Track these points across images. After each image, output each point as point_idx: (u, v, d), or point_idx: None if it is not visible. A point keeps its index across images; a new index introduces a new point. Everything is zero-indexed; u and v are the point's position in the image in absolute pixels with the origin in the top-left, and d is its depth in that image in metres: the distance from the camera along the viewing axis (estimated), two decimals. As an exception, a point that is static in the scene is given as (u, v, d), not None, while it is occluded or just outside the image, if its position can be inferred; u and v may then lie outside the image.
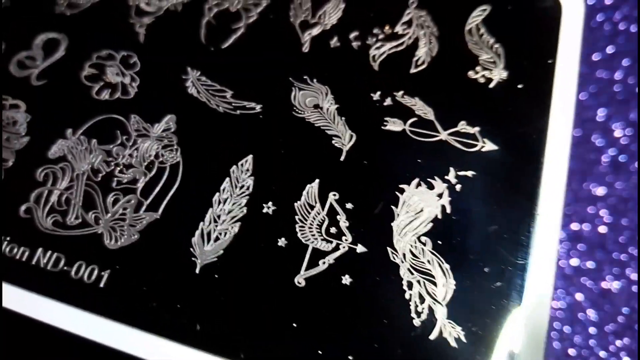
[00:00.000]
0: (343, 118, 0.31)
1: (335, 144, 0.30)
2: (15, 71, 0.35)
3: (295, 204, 0.28)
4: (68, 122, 0.32)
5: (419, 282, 0.26)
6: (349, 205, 0.28)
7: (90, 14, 0.37)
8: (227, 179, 0.29)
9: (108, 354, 0.26)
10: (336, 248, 0.27)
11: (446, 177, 0.29)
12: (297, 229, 0.28)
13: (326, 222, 0.28)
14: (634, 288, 0.34)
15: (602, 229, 0.35)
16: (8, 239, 0.29)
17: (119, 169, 0.31)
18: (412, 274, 0.27)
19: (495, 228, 0.27)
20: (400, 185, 0.29)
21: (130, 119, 0.32)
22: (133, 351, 0.26)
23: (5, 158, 0.32)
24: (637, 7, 0.39)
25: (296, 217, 0.28)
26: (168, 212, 0.29)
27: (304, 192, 0.29)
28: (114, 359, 0.26)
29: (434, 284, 0.26)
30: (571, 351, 0.33)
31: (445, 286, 0.26)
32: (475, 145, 0.29)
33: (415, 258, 0.27)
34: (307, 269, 0.27)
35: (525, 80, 0.31)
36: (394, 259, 0.27)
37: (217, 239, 0.28)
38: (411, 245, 0.27)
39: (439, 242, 0.27)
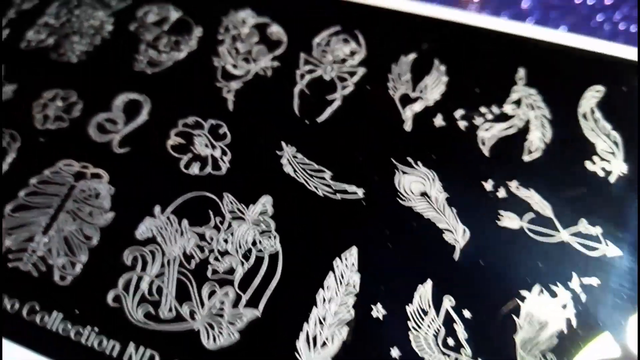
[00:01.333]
0: (454, 209, 0.29)
1: (447, 239, 0.28)
2: (95, 135, 0.33)
3: (407, 307, 0.27)
4: (156, 198, 0.30)
5: (546, 406, 0.24)
6: (466, 313, 0.26)
7: (173, 74, 0.35)
8: (331, 274, 0.27)
9: None
10: (455, 363, 0.25)
11: (569, 284, 0.27)
12: (411, 338, 0.26)
13: (443, 332, 0.26)
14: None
15: None
16: (96, 329, 0.27)
17: (213, 255, 0.29)
18: (539, 396, 0.25)
19: (625, 345, 0.25)
20: (521, 292, 0.27)
21: (224, 199, 0.30)
22: None
23: (89, 235, 0.30)
24: (637, 7, 0.39)
25: (409, 323, 0.26)
26: (269, 309, 0.27)
27: (416, 295, 0.27)
28: None
29: (564, 410, 0.24)
30: None
31: (575, 413, 0.24)
32: (599, 249, 0.27)
33: (541, 378, 0.25)
34: (424, 386, 0.25)
35: (648, 175, 0.29)
36: (519, 378, 0.25)
37: (324, 344, 0.26)
38: (536, 363, 0.25)
39: (566, 361, 0.25)
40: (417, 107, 0.32)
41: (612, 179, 0.29)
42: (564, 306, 0.26)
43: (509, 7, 0.41)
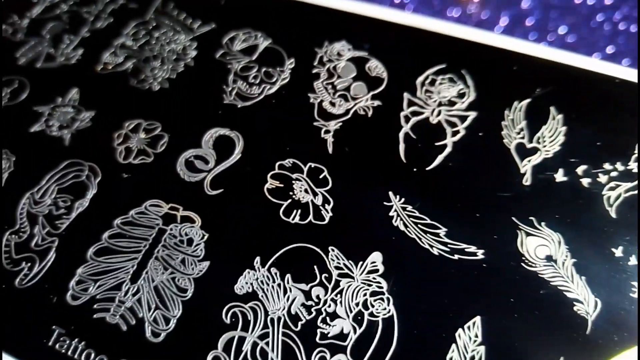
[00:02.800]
0: (583, 278, 0.26)
1: (578, 311, 0.26)
2: (184, 174, 0.31)
3: (540, 388, 0.24)
4: (254, 248, 0.28)
5: None
6: (605, 398, 0.24)
7: (265, 109, 0.32)
8: (454, 346, 0.25)
9: None
10: None
11: None
12: (547, 423, 0.24)
13: (581, 418, 0.24)
14: None
15: None
16: (195, 396, 0.25)
17: (321, 317, 0.26)
18: None
19: None
20: (663, 376, 0.24)
21: (329, 253, 0.28)
22: None
23: (183, 287, 0.27)
24: (637, 7, 0.39)
25: (542, 405, 0.24)
26: (387, 382, 0.25)
27: (549, 374, 0.25)
28: None
29: None
30: None
31: None
32: None
33: None
34: None
35: None
36: None
37: None
38: None
39: None
40: (535, 159, 0.29)
41: None
42: None
43: (509, 7, 0.41)
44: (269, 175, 0.30)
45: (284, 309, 0.26)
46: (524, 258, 0.27)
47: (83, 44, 0.36)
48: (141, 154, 0.31)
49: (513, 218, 0.28)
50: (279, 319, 0.26)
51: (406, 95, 0.32)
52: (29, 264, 0.29)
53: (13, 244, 0.30)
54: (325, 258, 0.28)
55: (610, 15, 0.40)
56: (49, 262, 0.29)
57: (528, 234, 0.28)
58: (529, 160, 0.30)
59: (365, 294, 0.27)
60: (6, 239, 0.30)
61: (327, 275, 0.27)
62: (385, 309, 0.26)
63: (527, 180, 0.29)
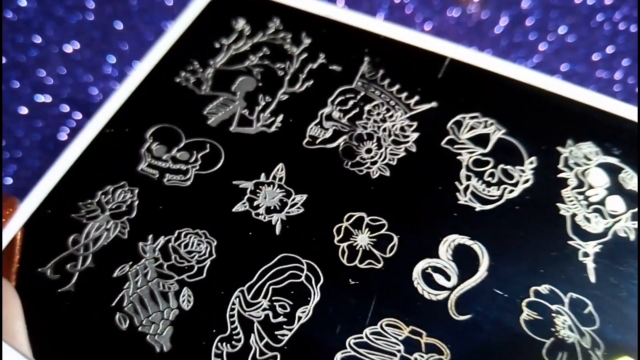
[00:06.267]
0: None
1: None
2: (423, 289, 0.27)
3: None
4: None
5: None
6: None
7: (507, 216, 0.28)
8: None
9: None
10: None
11: None
12: None
13: None
14: None
15: None
16: None
17: None
18: None
19: None
20: None
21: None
22: None
23: None
24: (637, 7, 0.39)
25: None
26: None
27: None
28: None
29: None
30: None
31: None
32: None
33: None
34: None
35: None
36: None
37: None
38: None
39: None
40: None
41: None
42: None
43: (509, 7, 0.42)
44: (524, 304, 0.26)
45: None
46: None
47: (281, 108, 0.32)
48: (367, 257, 0.28)
49: None
50: None
51: (671, 220, 0.28)
52: (248, 383, 0.25)
53: (225, 353, 0.26)
54: (605, 419, 0.24)
55: (610, 15, 0.40)
56: (274, 384, 0.25)
57: None
58: None
59: None
60: (216, 347, 0.26)
61: None
62: None
63: None
